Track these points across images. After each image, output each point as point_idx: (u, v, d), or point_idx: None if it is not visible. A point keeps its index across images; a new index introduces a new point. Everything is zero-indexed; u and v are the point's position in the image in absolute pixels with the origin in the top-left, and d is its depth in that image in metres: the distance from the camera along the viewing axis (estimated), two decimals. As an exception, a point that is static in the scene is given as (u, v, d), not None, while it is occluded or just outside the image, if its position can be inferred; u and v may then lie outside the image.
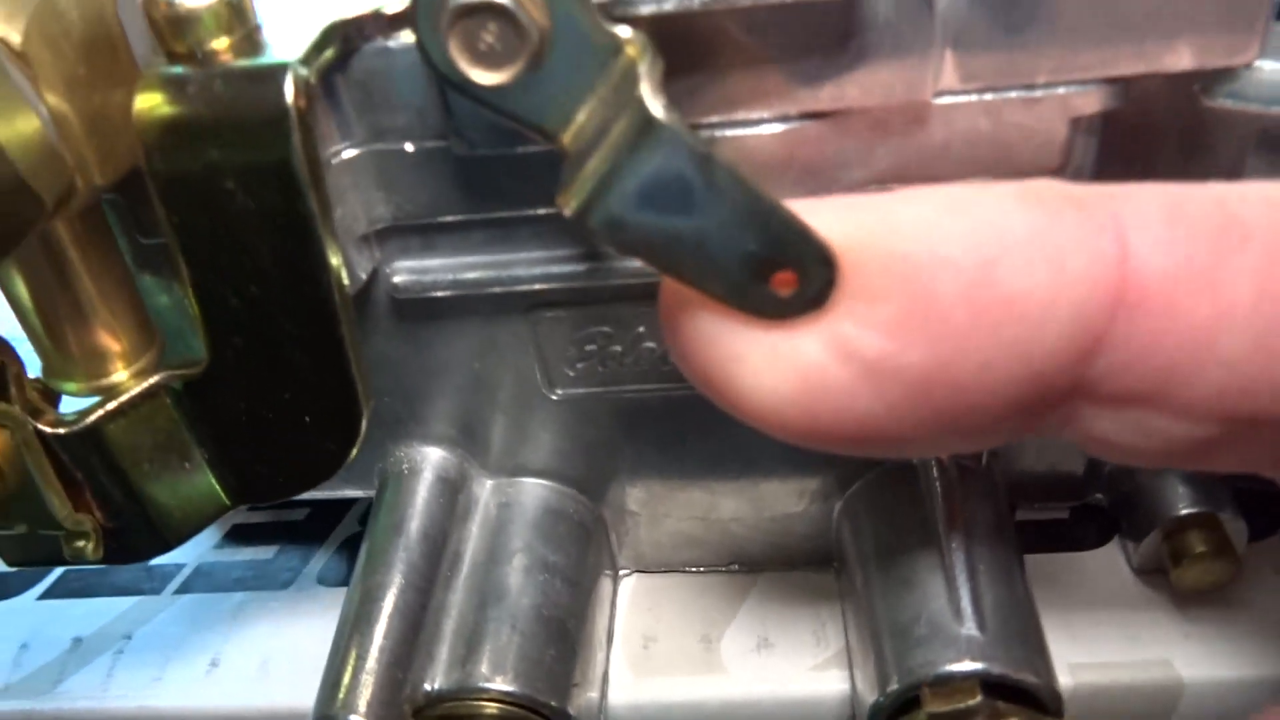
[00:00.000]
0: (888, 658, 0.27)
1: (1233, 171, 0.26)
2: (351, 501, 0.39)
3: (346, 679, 0.27)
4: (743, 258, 0.21)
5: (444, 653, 0.28)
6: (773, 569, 0.35)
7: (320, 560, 0.38)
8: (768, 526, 0.34)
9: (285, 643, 0.35)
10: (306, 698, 0.29)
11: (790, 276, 0.20)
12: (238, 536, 0.39)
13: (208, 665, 0.34)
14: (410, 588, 0.29)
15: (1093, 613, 0.33)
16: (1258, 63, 0.27)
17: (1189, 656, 0.31)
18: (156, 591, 0.37)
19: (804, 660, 0.32)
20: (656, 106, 0.19)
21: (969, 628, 0.26)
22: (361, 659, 0.28)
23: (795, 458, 0.32)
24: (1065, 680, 0.31)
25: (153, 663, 0.35)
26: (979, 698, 0.24)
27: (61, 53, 0.20)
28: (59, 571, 0.38)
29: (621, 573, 0.35)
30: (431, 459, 0.32)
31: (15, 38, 0.19)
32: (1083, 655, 0.31)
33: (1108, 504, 0.35)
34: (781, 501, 0.33)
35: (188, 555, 0.39)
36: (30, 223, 0.20)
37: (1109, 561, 0.34)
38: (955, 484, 0.30)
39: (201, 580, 0.38)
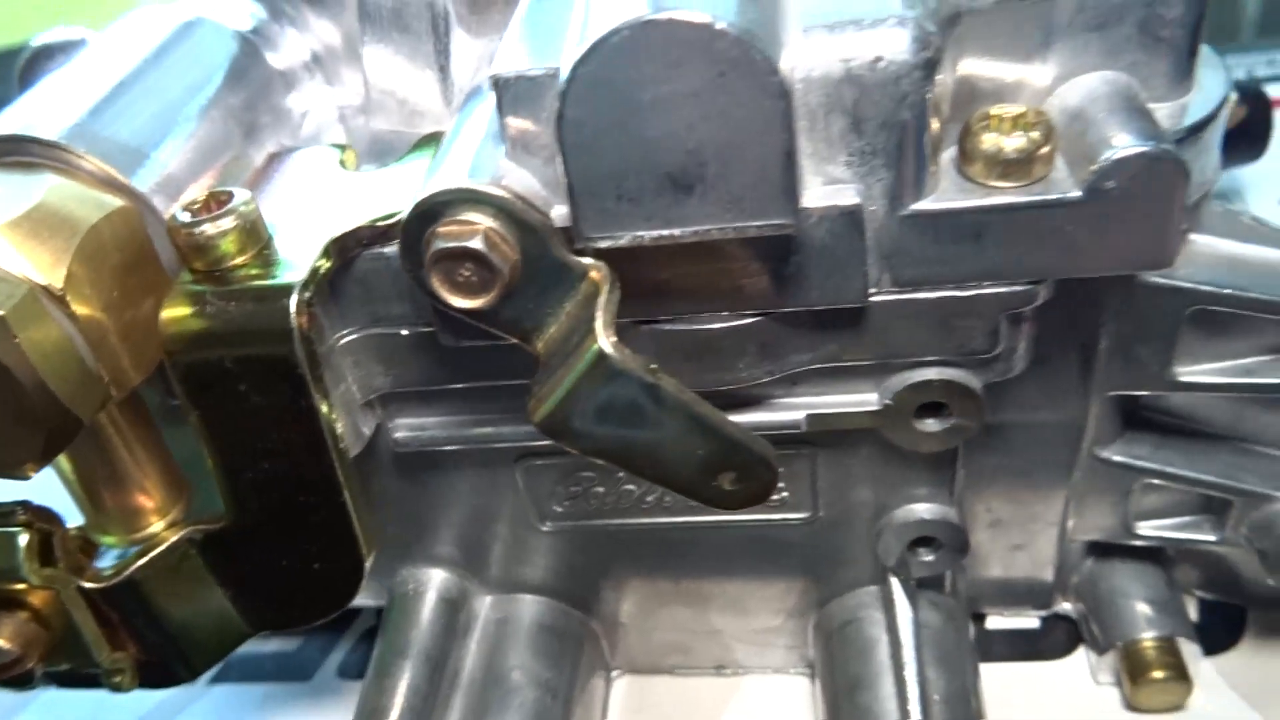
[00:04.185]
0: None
1: (1166, 342, 0.28)
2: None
3: (353, 796, 0.30)
4: (695, 461, 0.23)
5: (442, 770, 0.31)
6: (758, 672, 0.37)
7: (340, 652, 0.41)
8: (751, 637, 0.36)
9: (306, 734, 0.38)
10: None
11: (733, 476, 0.23)
12: (266, 627, 0.43)
13: (237, 755, 0.38)
14: (410, 711, 0.31)
15: (1052, 723, 0.34)
16: (1191, 236, 0.29)
17: (1143, 769, 0.33)
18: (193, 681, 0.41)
19: (782, 763, 0.35)
20: (607, 343, 0.22)
21: (919, 760, 0.28)
22: (367, 777, 0.30)
23: (769, 579, 0.34)
24: (1019, 790, 0.33)
25: (189, 750, 0.38)
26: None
27: (101, 281, 0.23)
28: (104, 662, 0.42)
29: (614, 673, 0.38)
30: (435, 580, 0.34)
31: (57, 284, 0.22)
32: (1039, 766, 0.33)
33: (1075, 614, 0.37)
34: (762, 617, 0.35)
35: (221, 647, 0.42)
36: (70, 436, 0.23)
37: (1073, 672, 0.36)
38: (916, 609, 0.32)
39: (234, 671, 0.41)
